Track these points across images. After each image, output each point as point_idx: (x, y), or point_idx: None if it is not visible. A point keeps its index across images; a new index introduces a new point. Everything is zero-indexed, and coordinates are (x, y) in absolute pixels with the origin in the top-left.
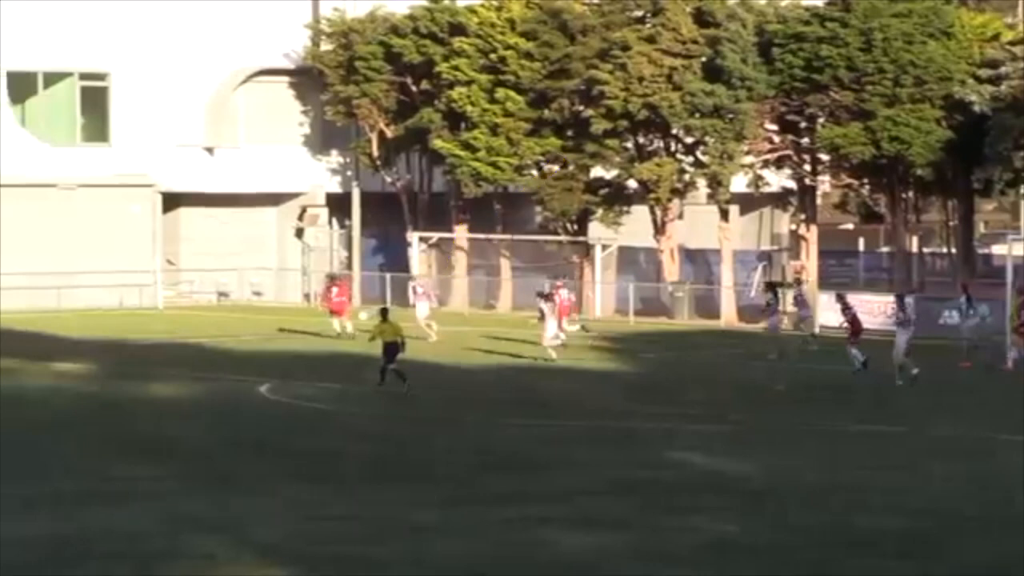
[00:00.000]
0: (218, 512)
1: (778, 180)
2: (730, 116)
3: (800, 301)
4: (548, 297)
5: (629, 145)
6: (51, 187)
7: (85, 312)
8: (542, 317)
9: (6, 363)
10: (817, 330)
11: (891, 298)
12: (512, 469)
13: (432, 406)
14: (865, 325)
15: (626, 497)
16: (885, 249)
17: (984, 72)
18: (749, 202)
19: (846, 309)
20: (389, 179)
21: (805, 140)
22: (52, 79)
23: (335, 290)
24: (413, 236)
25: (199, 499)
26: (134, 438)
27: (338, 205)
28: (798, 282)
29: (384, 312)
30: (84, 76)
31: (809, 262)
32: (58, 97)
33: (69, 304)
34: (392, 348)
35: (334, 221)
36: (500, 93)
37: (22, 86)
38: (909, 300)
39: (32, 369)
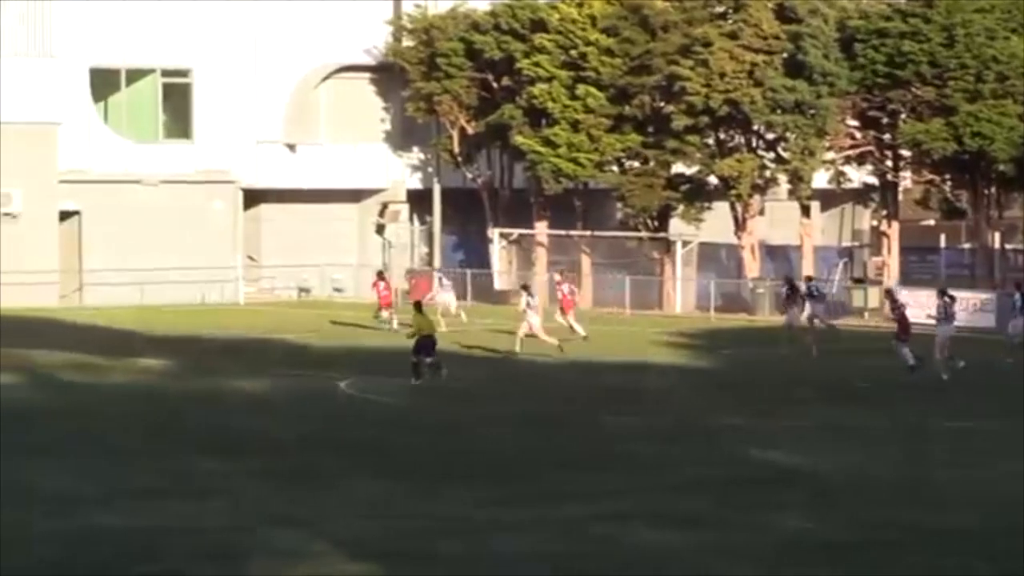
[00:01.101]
0: (298, 508)
1: (859, 176)
2: (811, 112)
3: (816, 296)
4: (530, 291)
5: (710, 141)
6: (134, 183)
7: (167, 308)
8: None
9: (89, 359)
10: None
11: (971, 294)
12: (589, 465)
13: (511, 402)
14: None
15: (704, 494)
16: (967, 245)
17: None
18: (830, 198)
19: (895, 307)
20: (470, 175)
21: (887, 136)
22: (135, 76)
23: (382, 284)
24: (494, 232)
25: (279, 495)
26: (214, 433)
27: (419, 201)
28: (808, 279)
29: (418, 306)
30: (166, 73)
31: (890, 258)
32: (141, 94)
33: (152, 300)
34: (428, 342)
35: (415, 217)
36: (581, 89)
37: (105, 83)
38: (949, 297)
39: (114, 365)
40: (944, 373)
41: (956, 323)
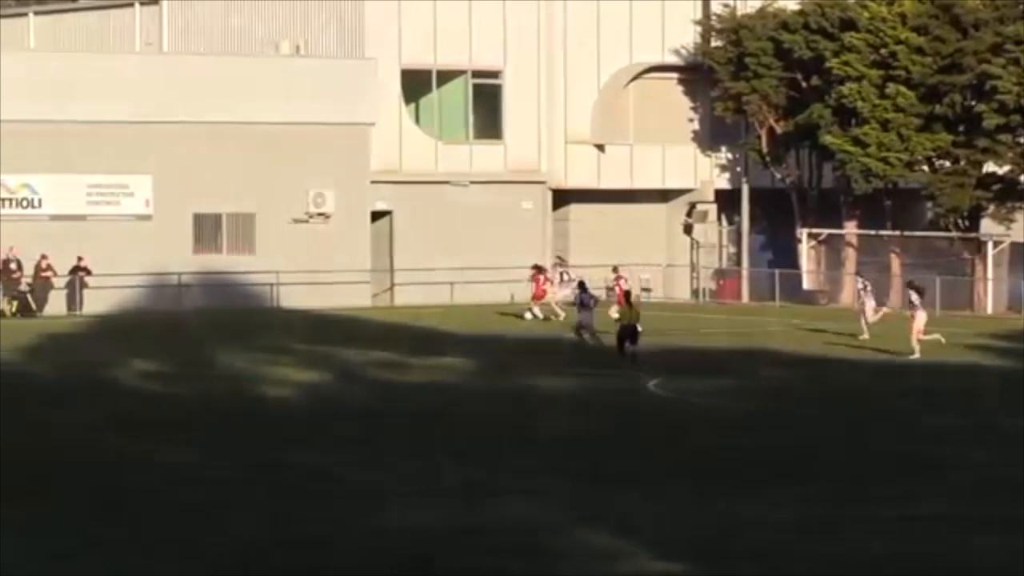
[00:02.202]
0: (608, 507)
1: None
2: None
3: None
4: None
5: (1022, 140)
6: (444, 184)
7: (477, 307)
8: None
9: (399, 358)
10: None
11: None
12: (899, 467)
13: (817, 403)
14: None
15: (1020, 497)
16: None
17: None
18: None
19: None
20: (778, 175)
21: None
22: (445, 77)
23: (541, 278)
24: (802, 232)
25: (589, 494)
26: (525, 433)
27: (727, 201)
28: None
29: (627, 296)
30: (477, 74)
31: None
32: (451, 95)
33: (462, 299)
34: (631, 330)
35: (723, 217)
36: (891, 88)
37: (416, 84)
38: None
39: (423, 364)
40: None
41: None
